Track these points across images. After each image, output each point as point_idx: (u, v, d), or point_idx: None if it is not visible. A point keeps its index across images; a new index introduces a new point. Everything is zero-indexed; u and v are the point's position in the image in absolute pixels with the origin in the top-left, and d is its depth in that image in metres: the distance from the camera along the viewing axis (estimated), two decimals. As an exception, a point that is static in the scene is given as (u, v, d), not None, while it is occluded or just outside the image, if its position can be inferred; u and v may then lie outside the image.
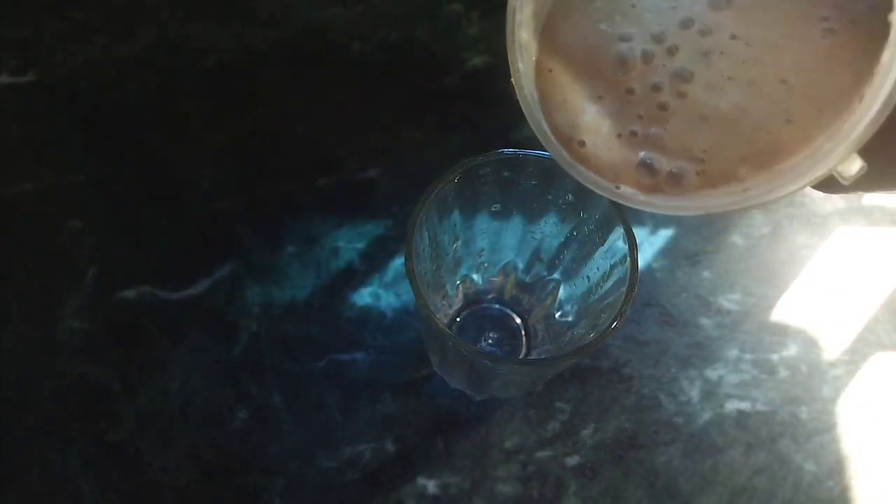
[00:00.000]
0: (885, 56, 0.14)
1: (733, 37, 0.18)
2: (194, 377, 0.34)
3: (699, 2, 0.19)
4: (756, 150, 0.18)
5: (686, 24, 0.19)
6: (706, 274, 0.37)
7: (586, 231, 0.26)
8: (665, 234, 0.37)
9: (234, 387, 0.34)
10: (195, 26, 0.41)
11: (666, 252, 0.37)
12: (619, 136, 0.20)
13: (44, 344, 0.34)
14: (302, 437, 0.33)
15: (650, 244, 0.37)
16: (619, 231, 0.23)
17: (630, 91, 0.20)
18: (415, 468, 0.32)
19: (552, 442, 0.33)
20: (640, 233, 0.37)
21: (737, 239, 0.38)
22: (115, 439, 0.33)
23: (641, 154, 0.20)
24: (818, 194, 0.39)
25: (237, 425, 0.33)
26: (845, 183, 0.16)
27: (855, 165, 0.16)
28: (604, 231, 0.24)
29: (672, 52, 0.19)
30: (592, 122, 0.20)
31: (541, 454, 0.33)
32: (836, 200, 0.39)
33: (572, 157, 0.20)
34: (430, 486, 0.32)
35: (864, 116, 0.15)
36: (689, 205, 0.19)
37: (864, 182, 0.16)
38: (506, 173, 0.25)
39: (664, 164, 0.19)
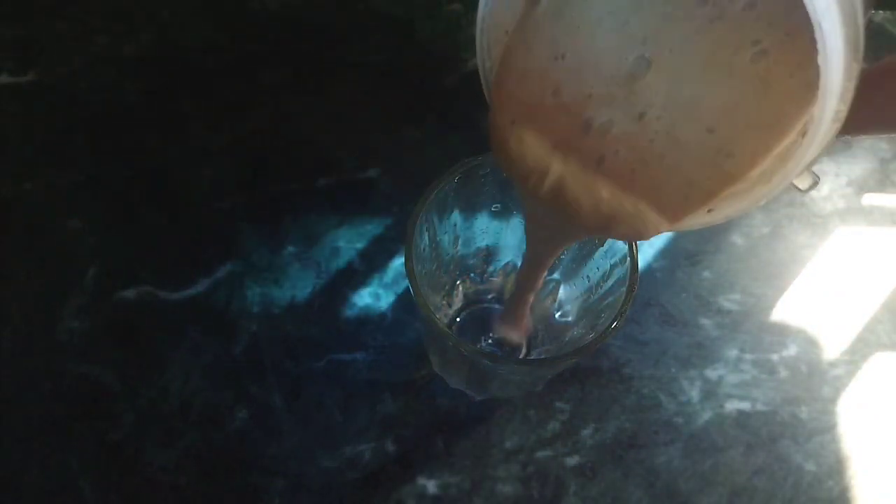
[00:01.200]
0: (816, 110, 0.13)
1: (648, 108, 0.17)
2: (194, 377, 0.34)
3: (616, 79, 0.17)
4: (708, 187, 0.17)
5: (608, 97, 0.18)
6: (706, 274, 0.37)
7: (586, 231, 0.26)
8: (665, 234, 0.37)
9: (234, 387, 0.34)
10: (195, 26, 0.41)
11: (666, 252, 0.37)
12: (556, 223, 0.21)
13: (44, 344, 0.34)
14: (302, 437, 0.33)
15: (650, 244, 0.37)
16: (619, 231, 0.23)
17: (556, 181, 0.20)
18: (415, 468, 0.32)
19: (552, 442, 0.33)
20: (640, 233, 0.37)
21: (737, 239, 0.38)
22: (115, 439, 0.33)
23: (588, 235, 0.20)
24: (818, 194, 0.39)
25: (237, 425, 0.33)
26: (801, 193, 0.16)
27: (808, 180, 0.16)
28: (604, 231, 0.24)
29: (586, 129, 0.18)
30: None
31: (541, 454, 0.33)
32: (836, 200, 0.39)
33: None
34: (430, 486, 0.32)
35: (806, 153, 0.14)
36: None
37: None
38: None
39: (610, 232, 0.21)
